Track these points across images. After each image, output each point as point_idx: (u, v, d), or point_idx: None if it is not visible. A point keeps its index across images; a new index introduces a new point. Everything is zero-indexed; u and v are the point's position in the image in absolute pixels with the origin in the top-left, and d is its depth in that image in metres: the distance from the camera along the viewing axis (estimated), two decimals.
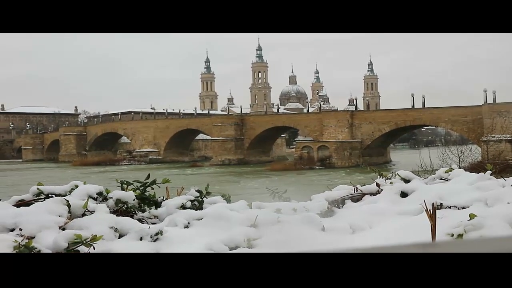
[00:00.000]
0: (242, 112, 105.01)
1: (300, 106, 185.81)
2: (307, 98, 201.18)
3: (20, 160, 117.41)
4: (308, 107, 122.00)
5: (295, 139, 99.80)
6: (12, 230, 2.44)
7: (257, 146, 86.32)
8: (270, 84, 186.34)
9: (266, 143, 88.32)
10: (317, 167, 66.40)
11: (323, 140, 73.72)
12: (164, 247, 2.56)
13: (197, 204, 3.59)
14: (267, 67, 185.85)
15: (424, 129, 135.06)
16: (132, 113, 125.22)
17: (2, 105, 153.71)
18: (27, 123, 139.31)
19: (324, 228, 3.09)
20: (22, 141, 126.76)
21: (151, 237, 2.61)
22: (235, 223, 2.97)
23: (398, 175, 4.37)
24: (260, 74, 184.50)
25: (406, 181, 4.23)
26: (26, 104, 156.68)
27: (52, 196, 3.22)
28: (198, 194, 3.69)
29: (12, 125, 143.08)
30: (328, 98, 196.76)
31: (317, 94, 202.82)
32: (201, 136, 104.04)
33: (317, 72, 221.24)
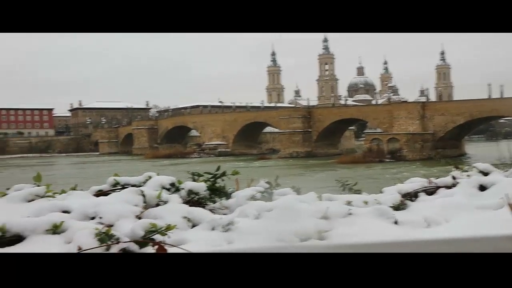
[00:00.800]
0: (309, 104, 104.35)
1: (369, 97, 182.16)
2: (375, 90, 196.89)
3: (97, 153, 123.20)
4: (377, 99, 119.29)
5: (364, 131, 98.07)
6: (93, 218, 2.55)
7: (325, 138, 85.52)
8: (337, 76, 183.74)
9: (334, 136, 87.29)
10: (387, 160, 64.90)
11: (393, 132, 71.91)
12: (236, 237, 2.58)
13: (267, 196, 3.60)
14: (334, 58, 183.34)
15: (502, 120, 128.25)
16: (201, 107, 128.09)
17: (80, 101, 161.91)
18: (103, 118, 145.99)
19: (397, 221, 3.01)
20: (98, 135, 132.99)
21: (222, 227, 2.64)
22: (306, 215, 2.95)
23: (476, 167, 4.16)
24: (327, 66, 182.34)
25: (485, 174, 4.02)
26: (101, 99, 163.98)
27: (128, 187, 3.34)
28: (268, 186, 3.70)
29: (89, 120, 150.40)
30: (398, 89, 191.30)
31: (386, 85, 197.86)
32: (268, 129, 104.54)
33: (385, 63, 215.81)
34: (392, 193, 3.69)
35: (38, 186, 3.11)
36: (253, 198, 3.47)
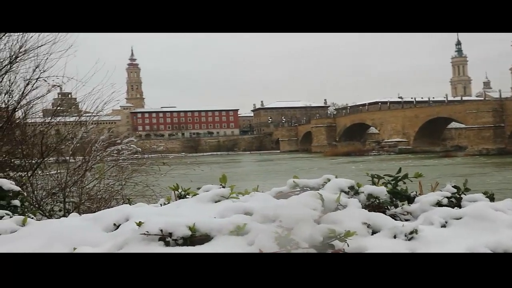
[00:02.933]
0: (501, 96, 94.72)
1: None
2: None
3: (278, 151, 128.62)
4: None
5: None
6: (273, 221, 2.59)
7: None
8: None
9: None
10: None
11: None
12: (420, 247, 2.40)
13: (454, 202, 3.30)
14: None
15: None
16: (379, 103, 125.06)
17: (262, 101, 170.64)
18: (283, 117, 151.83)
19: None
20: (279, 134, 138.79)
21: (405, 235, 2.48)
22: (502, 225, 2.63)
23: None
24: None
25: None
26: (281, 99, 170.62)
27: (307, 190, 3.35)
28: (455, 190, 3.39)
29: (270, 119, 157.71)
30: None
31: None
32: (453, 125, 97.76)
33: None
34: None
35: (224, 187, 3.30)
36: (438, 204, 3.21)
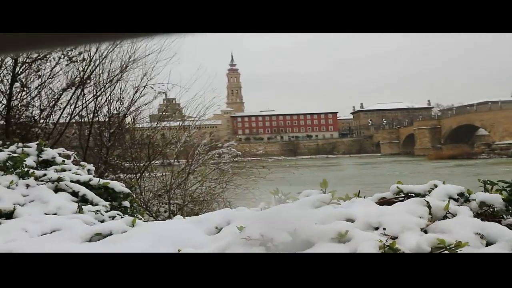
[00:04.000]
0: None
1: None
2: None
3: (379, 154, 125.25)
4: None
5: None
6: (376, 228, 2.50)
7: None
8: None
9: None
10: None
11: None
12: None
13: None
14: None
15: None
16: (489, 103, 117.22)
17: (361, 104, 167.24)
18: (383, 119, 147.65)
19: None
20: (379, 136, 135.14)
21: None
22: None
23: None
24: None
25: None
26: (381, 101, 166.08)
27: (412, 196, 3.19)
28: None
29: (370, 122, 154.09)
30: None
31: None
32: None
33: None
34: None
35: (324, 192, 3.24)
36: None
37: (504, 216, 3.04)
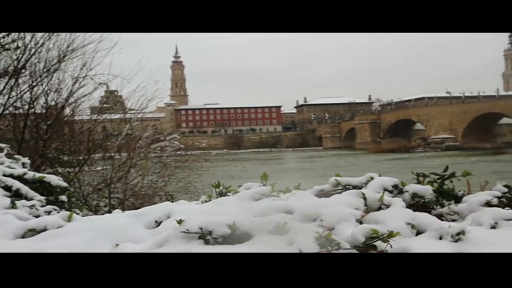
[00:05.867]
0: None
1: None
2: None
3: (321, 147, 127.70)
4: None
5: None
6: (314, 220, 2.56)
7: None
8: None
9: None
10: None
11: None
12: (467, 248, 2.31)
13: (505, 202, 3.16)
14: None
15: None
16: (426, 99, 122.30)
17: (305, 98, 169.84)
18: (326, 114, 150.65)
19: None
20: (322, 130, 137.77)
21: (451, 237, 2.39)
22: None
23: None
24: None
25: None
26: (324, 96, 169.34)
27: (349, 188, 3.28)
28: (506, 190, 3.24)
29: (313, 116, 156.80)
30: None
31: None
32: (505, 120, 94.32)
33: None
34: None
35: (264, 185, 3.28)
36: (487, 203, 3.08)
37: (434, 207, 3.20)
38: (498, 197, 3.17)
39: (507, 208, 3.04)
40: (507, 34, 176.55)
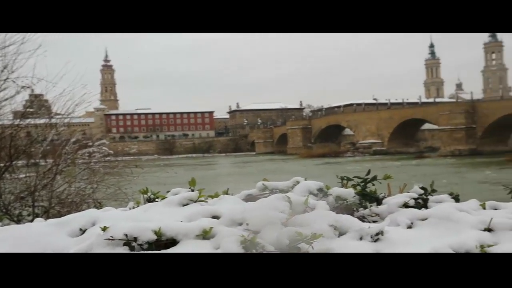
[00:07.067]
0: (473, 98, 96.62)
1: None
2: None
3: (254, 152, 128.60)
4: None
5: None
6: (241, 224, 2.59)
7: (492, 134, 78.58)
8: (506, 65, 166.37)
9: (503, 131, 79.74)
10: None
11: None
12: (385, 248, 2.42)
13: (421, 203, 3.34)
14: (503, 46, 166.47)
15: None
16: (355, 105, 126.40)
17: (237, 103, 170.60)
18: (259, 119, 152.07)
19: None
20: (254, 135, 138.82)
21: (371, 237, 2.50)
22: (465, 226, 2.67)
23: None
24: (494, 54, 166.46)
25: None
26: (257, 101, 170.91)
27: (277, 192, 3.35)
28: (422, 192, 3.44)
29: (246, 121, 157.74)
30: None
31: None
32: (427, 126, 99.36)
33: None
34: None
35: (193, 190, 3.28)
36: (405, 205, 3.25)
37: (358, 209, 3.33)
38: (415, 199, 3.35)
39: (423, 208, 3.23)
40: (427, 44, 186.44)
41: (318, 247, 2.26)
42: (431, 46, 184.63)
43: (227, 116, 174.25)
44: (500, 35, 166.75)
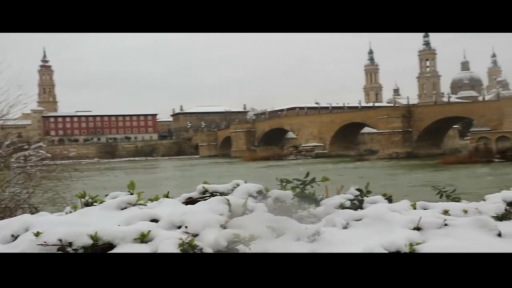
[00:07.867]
0: (409, 103, 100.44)
1: (474, 94, 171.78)
2: (482, 85, 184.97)
3: (198, 156, 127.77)
4: (483, 95, 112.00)
5: (470, 130, 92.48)
6: (179, 227, 2.59)
7: (427, 138, 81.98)
8: (439, 72, 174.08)
9: (436, 135, 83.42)
10: (497, 160, 60.73)
11: (503, 130, 67.20)
12: (321, 248, 2.49)
13: (357, 204, 3.46)
14: (436, 54, 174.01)
15: None
16: (297, 109, 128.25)
17: (181, 106, 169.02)
18: (202, 122, 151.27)
19: (500, 233, 2.75)
20: (198, 138, 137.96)
21: (308, 238, 2.57)
22: (397, 225, 2.79)
23: None
24: (428, 62, 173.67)
25: None
26: (201, 104, 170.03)
27: (217, 194, 3.37)
28: (358, 193, 3.56)
29: (189, 124, 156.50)
30: (508, 83, 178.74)
31: (495, 79, 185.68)
32: (366, 130, 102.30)
33: (494, 55, 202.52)
34: (496, 201, 3.38)
35: (132, 194, 3.23)
36: (341, 206, 3.35)
37: (297, 210, 3.40)
38: (351, 200, 3.46)
39: (359, 209, 3.35)
40: (367, 50, 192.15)
41: (256, 248, 2.30)
42: (370, 52, 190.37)
43: (171, 119, 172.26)
44: (434, 44, 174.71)
